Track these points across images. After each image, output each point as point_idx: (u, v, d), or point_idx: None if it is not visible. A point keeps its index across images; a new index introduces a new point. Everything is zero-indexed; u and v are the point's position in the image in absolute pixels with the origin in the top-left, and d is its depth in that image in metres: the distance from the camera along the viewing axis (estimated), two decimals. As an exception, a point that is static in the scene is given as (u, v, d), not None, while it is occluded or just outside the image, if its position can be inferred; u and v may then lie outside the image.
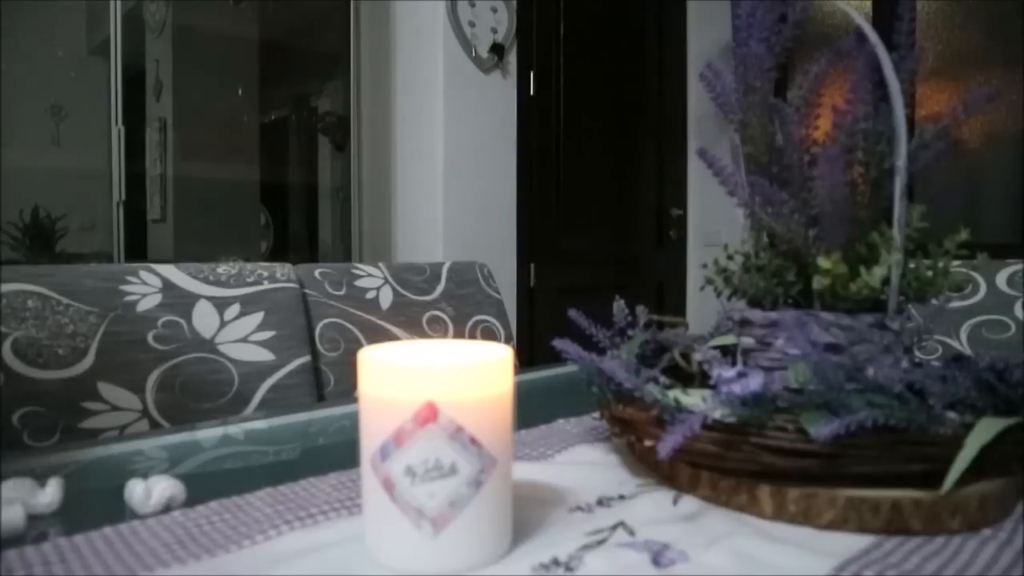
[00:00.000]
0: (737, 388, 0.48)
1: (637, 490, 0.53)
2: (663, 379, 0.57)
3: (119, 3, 1.93)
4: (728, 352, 0.61)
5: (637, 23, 2.88)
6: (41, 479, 0.51)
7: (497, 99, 2.40)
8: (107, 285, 0.96)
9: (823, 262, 0.52)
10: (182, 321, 1.00)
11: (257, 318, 1.07)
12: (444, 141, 2.28)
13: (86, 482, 0.62)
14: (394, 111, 2.46)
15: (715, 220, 2.95)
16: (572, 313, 0.70)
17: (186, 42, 2.42)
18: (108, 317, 0.94)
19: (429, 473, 0.39)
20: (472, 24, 2.31)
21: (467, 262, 1.42)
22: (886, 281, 0.53)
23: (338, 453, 0.71)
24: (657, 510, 0.49)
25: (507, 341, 1.36)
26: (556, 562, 0.41)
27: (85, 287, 0.94)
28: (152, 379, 0.95)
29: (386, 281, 1.26)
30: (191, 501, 0.50)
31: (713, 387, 0.50)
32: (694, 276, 2.99)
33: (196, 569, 0.41)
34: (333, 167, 2.59)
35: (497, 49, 2.35)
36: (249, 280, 1.09)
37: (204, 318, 1.02)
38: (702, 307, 2.86)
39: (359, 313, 1.20)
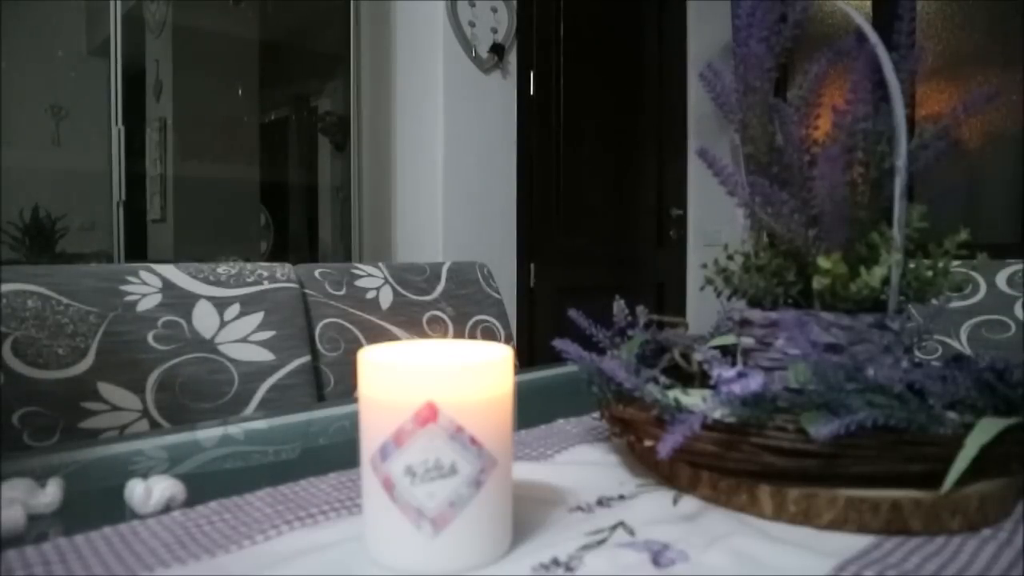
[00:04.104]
0: (737, 388, 0.48)
1: (637, 490, 0.53)
2: (663, 379, 0.57)
3: (119, 3, 1.93)
4: (728, 352, 0.61)
5: (637, 23, 2.88)
6: (41, 479, 0.51)
7: (497, 99, 2.40)
8: (107, 285, 0.96)
9: (823, 262, 0.52)
10: (182, 321, 1.00)
11: (257, 318, 1.07)
12: (444, 141, 2.28)
13: (86, 482, 0.62)
14: (394, 111, 2.46)
15: (715, 220, 2.96)
16: (572, 313, 0.70)
17: (186, 42, 2.42)
18: (108, 317, 0.94)
19: (429, 473, 0.39)
20: (472, 24, 2.31)
21: (467, 262, 1.42)
22: (886, 281, 0.53)
23: (338, 453, 0.71)
24: (657, 510, 0.49)
25: (507, 341, 1.36)
26: (556, 562, 0.41)
27: (85, 287, 0.94)
28: (152, 379, 0.95)
29: (386, 281, 1.26)
30: (191, 501, 0.50)
31: (713, 387, 0.50)
32: (694, 276, 2.99)
33: (196, 569, 0.41)
34: (333, 167, 2.59)
35: (497, 49, 2.35)
36: (249, 280, 1.09)
37: (204, 318, 1.02)
38: (702, 307, 2.86)
39: (359, 313, 1.20)
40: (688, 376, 0.62)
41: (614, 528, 0.45)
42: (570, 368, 0.63)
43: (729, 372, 0.49)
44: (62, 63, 2.32)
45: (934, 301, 0.57)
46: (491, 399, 0.41)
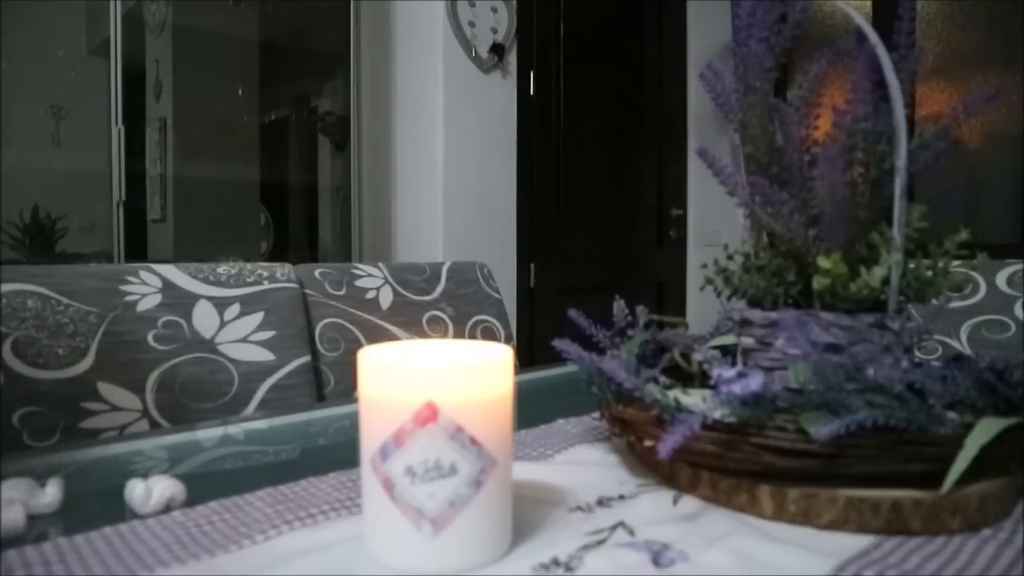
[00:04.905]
0: (737, 388, 0.48)
1: (637, 490, 0.53)
2: (663, 379, 0.57)
3: (119, 3, 1.93)
4: (728, 352, 0.61)
5: (637, 23, 2.88)
6: (41, 479, 0.51)
7: (497, 99, 2.40)
8: (107, 285, 0.96)
9: (823, 262, 0.52)
10: (182, 321, 1.00)
11: (257, 318, 1.07)
12: (444, 141, 2.28)
13: (86, 482, 0.62)
14: (394, 111, 2.46)
15: (715, 220, 2.95)
16: (572, 313, 0.70)
17: (186, 42, 2.42)
18: (108, 317, 0.94)
19: (429, 473, 0.39)
20: (472, 24, 2.31)
21: (467, 262, 1.41)
22: (886, 281, 0.53)
23: (338, 453, 0.71)
24: (657, 510, 0.49)
25: (507, 341, 1.36)
26: (556, 562, 0.41)
27: (85, 287, 0.94)
28: (152, 379, 0.95)
29: (386, 281, 1.26)
30: (191, 501, 0.50)
31: (713, 387, 0.50)
32: (694, 276, 2.99)
33: (196, 569, 0.41)
34: (333, 167, 2.59)
35: (497, 49, 2.35)
36: (249, 280, 1.09)
37: (204, 318, 1.02)
38: (702, 307, 2.86)
39: (359, 313, 1.20)
40: (688, 376, 0.62)
41: (614, 528, 0.45)
42: (570, 368, 0.63)
43: (729, 372, 0.49)
44: (62, 63, 2.32)
45: (934, 301, 0.57)
46: (491, 399, 0.41)
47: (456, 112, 2.30)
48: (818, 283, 0.54)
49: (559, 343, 0.62)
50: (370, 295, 1.23)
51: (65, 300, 0.92)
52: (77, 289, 0.94)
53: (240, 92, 2.59)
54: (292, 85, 2.74)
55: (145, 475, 0.52)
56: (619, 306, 0.70)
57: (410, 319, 1.25)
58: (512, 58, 2.42)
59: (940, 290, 0.56)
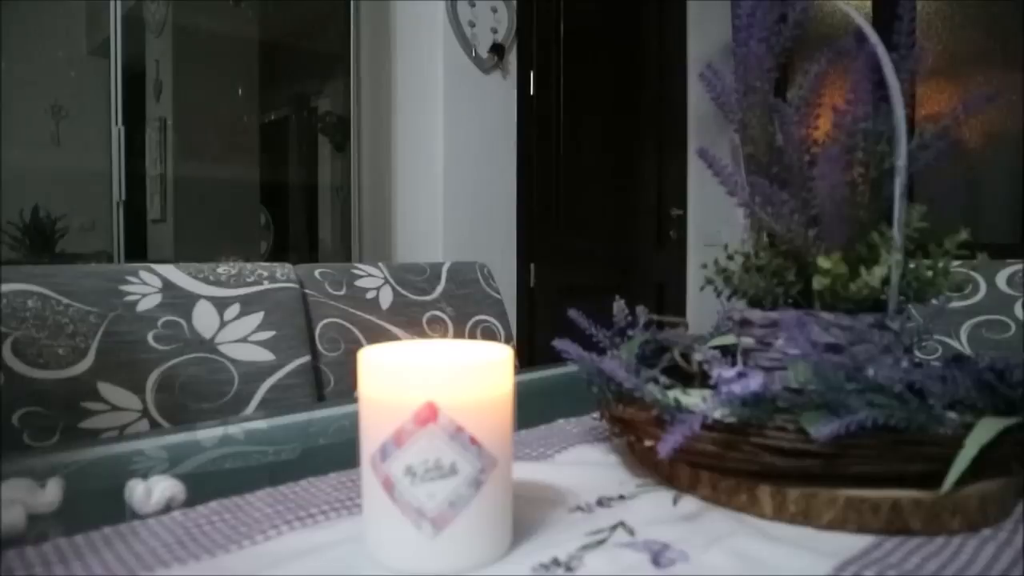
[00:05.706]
0: (737, 388, 0.48)
1: (637, 490, 0.53)
2: (663, 379, 0.57)
3: (119, 3, 1.93)
4: (728, 352, 0.61)
5: (637, 23, 2.88)
6: (41, 479, 0.51)
7: (497, 99, 2.40)
8: (107, 285, 0.96)
9: (823, 262, 0.52)
10: (182, 321, 1.00)
11: (257, 318, 1.07)
12: (444, 141, 2.28)
13: (86, 482, 0.62)
14: (394, 111, 2.46)
15: (715, 220, 2.95)
16: (572, 313, 0.70)
17: (186, 42, 2.42)
18: (108, 317, 0.94)
19: (429, 473, 0.39)
20: (472, 24, 2.31)
21: (467, 262, 1.41)
22: (886, 281, 0.53)
23: (338, 453, 0.71)
24: (657, 510, 0.49)
25: (507, 341, 1.36)
26: (556, 562, 0.41)
27: (85, 287, 0.94)
28: (152, 379, 0.95)
29: (386, 281, 1.26)
30: (191, 501, 0.50)
31: (713, 387, 0.50)
32: (694, 276, 2.99)
33: (196, 569, 0.41)
34: (333, 167, 2.59)
35: (497, 49, 2.35)
36: (249, 280, 1.09)
37: (204, 318, 1.02)
38: (702, 307, 2.86)
39: (359, 313, 1.20)
40: (688, 376, 0.62)
41: (614, 528, 0.45)
42: (570, 368, 0.63)
43: (729, 372, 0.49)
44: (62, 63, 2.32)
45: (934, 301, 0.57)
46: (491, 399, 0.41)
47: (456, 112, 2.30)
48: (818, 283, 0.54)
49: (559, 343, 0.62)
50: (370, 295, 1.23)
51: (65, 300, 0.92)
52: (77, 289, 0.93)
53: (240, 92, 2.59)
54: (292, 85, 2.74)
55: (145, 475, 0.52)
56: (619, 306, 0.70)
57: (410, 319, 1.25)
58: (512, 58, 2.42)
59: (940, 290, 0.56)
